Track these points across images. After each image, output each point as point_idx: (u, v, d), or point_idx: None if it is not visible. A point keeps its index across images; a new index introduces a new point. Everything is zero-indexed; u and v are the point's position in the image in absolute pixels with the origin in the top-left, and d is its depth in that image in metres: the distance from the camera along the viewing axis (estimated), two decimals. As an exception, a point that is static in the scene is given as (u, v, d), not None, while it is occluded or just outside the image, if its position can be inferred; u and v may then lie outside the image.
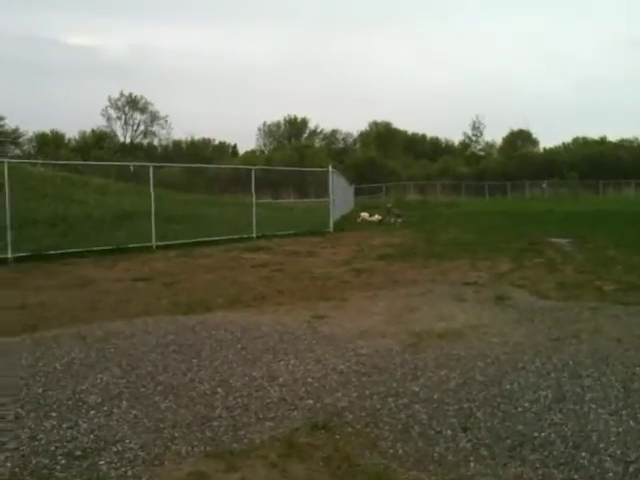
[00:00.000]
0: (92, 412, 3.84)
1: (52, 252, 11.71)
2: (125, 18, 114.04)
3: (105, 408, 3.90)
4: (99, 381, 4.43)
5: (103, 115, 72.17)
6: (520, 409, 3.78)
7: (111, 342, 5.51)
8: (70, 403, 3.99)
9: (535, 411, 3.74)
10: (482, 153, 76.73)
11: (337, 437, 3.41)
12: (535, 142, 78.64)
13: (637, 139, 73.11)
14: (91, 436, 3.48)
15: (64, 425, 3.62)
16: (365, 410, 3.80)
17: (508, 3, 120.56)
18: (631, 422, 3.54)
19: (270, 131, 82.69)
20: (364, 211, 23.24)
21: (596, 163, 62.29)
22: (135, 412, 3.83)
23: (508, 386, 4.19)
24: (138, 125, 73.69)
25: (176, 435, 3.48)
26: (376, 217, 22.12)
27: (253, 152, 77.57)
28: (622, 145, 71.74)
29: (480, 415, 3.70)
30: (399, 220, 21.38)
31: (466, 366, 4.65)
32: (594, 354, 4.89)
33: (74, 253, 11.87)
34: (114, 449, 3.31)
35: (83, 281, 9.02)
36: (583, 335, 5.49)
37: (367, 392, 4.12)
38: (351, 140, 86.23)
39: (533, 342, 5.30)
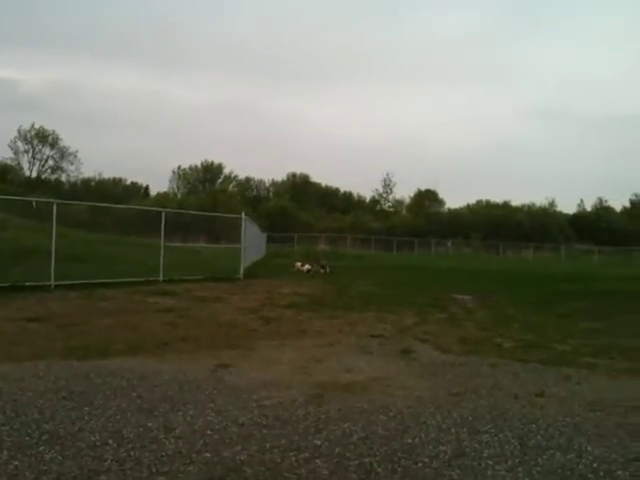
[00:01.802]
0: (-34, 463, 3.49)
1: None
2: (45, 53, 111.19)
3: (-19, 459, 3.56)
4: (-23, 429, 4.06)
5: (11, 147, 69.08)
6: (420, 464, 3.77)
7: (-6, 387, 5.10)
8: (-60, 454, 3.62)
9: (435, 467, 3.74)
10: (392, 209, 79.29)
11: (234, 493, 3.26)
12: (441, 202, 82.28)
13: (535, 204, 77.95)
14: (-39, 491, 3.16)
15: None
16: (265, 464, 3.67)
17: (421, 68, 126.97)
18: (526, 479, 3.60)
19: (184, 174, 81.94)
20: (297, 261, 23.87)
21: (497, 225, 65.72)
22: (16, 463, 3.53)
23: (409, 440, 4.19)
24: (46, 160, 70.99)
25: (58, 491, 3.21)
26: (306, 267, 22.71)
27: (166, 194, 76.34)
28: (522, 209, 76.15)
29: (381, 470, 3.65)
30: (327, 270, 22.29)
31: (369, 419, 4.62)
32: (492, 410, 4.99)
33: (-38, 289, 11.07)
34: (-14, 506, 3.01)
35: (-31, 320, 8.38)
36: (483, 390, 5.61)
37: (268, 445, 3.99)
38: (264, 188, 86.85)
39: (435, 396, 5.36)
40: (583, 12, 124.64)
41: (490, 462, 3.84)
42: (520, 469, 3.75)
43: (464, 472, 3.67)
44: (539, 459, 3.92)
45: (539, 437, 4.36)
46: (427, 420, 4.65)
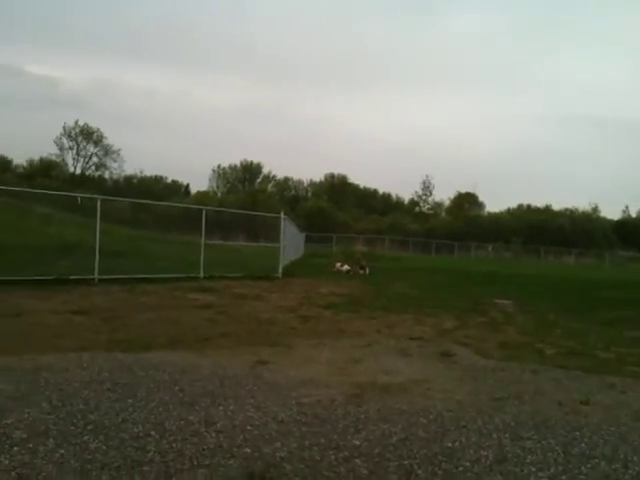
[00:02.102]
0: (16, 448, 3.59)
1: (-14, 278, 11.21)
2: (89, 52, 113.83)
3: (30, 445, 3.65)
4: (26, 416, 4.16)
5: (56, 143, 70.88)
6: (461, 468, 3.72)
7: (42, 376, 5.23)
8: (-8, 438, 3.73)
9: (476, 471, 3.69)
10: (430, 212, 78.70)
11: (274, 489, 3.28)
12: (481, 205, 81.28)
13: (577, 209, 76.31)
14: (13, 474, 3.25)
15: (-17, 461, 3.37)
16: (304, 462, 3.68)
17: (461, 69, 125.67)
18: (570, 487, 3.53)
19: (224, 173, 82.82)
20: (337, 262, 23.76)
21: (539, 230, 64.64)
22: (62, 451, 3.60)
23: (450, 444, 4.14)
24: (90, 157, 72.66)
25: (104, 478, 3.27)
26: (345, 267, 22.53)
27: (206, 193, 77.33)
28: (564, 214, 74.67)
29: (421, 473, 3.62)
30: (367, 271, 22.02)
31: (409, 421, 4.59)
32: (535, 416, 4.90)
33: (10, 281, 11.38)
34: (35, 491, 3.09)
35: (17, 311, 8.60)
36: (525, 396, 5.52)
37: (307, 443, 4.00)
38: (302, 188, 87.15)
39: (476, 400, 5.29)
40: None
41: (533, 468, 3.77)
42: (564, 477, 3.67)
43: (506, 478, 3.61)
44: (583, 467, 3.84)
45: (583, 445, 4.27)
46: (468, 424, 4.59)
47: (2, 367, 5.42)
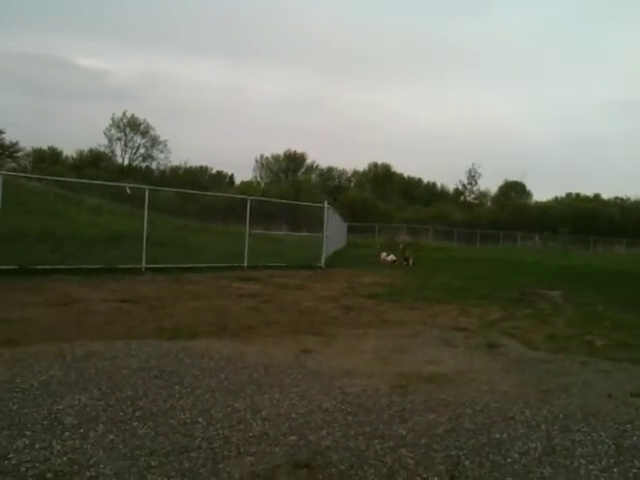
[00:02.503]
0: (67, 433, 3.69)
1: (39, 267, 11.55)
2: (136, 44, 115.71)
3: (81, 430, 3.75)
4: (77, 402, 4.28)
5: (106, 134, 72.34)
6: (509, 460, 3.66)
7: (92, 363, 5.37)
8: (45, 423, 3.84)
9: (524, 463, 3.62)
10: (476, 201, 77.49)
11: (320, 477, 3.28)
12: (529, 194, 79.61)
13: (629, 198, 74.02)
14: (64, 458, 3.33)
15: (37, 445, 3.47)
16: (350, 451, 3.68)
17: (505, 59, 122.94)
18: (622, 481, 3.43)
19: (267, 164, 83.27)
20: (382, 252, 23.62)
21: (587, 219, 62.99)
22: (112, 437, 3.69)
23: (497, 435, 4.08)
24: (138, 148, 73.95)
25: (152, 464, 3.33)
26: (390, 257, 22.41)
27: (250, 183, 77.98)
28: (614, 203, 72.55)
29: (468, 464, 3.57)
30: (411, 262, 21.83)
31: (455, 412, 4.54)
32: (584, 408, 4.79)
33: (61, 270, 11.71)
34: (87, 474, 3.16)
35: (68, 299, 8.86)
36: (573, 389, 5.39)
37: (352, 432, 4.00)
38: (345, 178, 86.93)
39: (523, 392, 5.19)
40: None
41: (583, 461, 3.68)
42: (615, 470, 3.58)
43: (555, 470, 3.54)
44: (635, 461, 3.73)
45: (635, 438, 4.15)
46: (515, 416, 4.52)
47: (53, 354, 5.58)
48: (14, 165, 54.06)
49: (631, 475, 3.53)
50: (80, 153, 71.62)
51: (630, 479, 3.48)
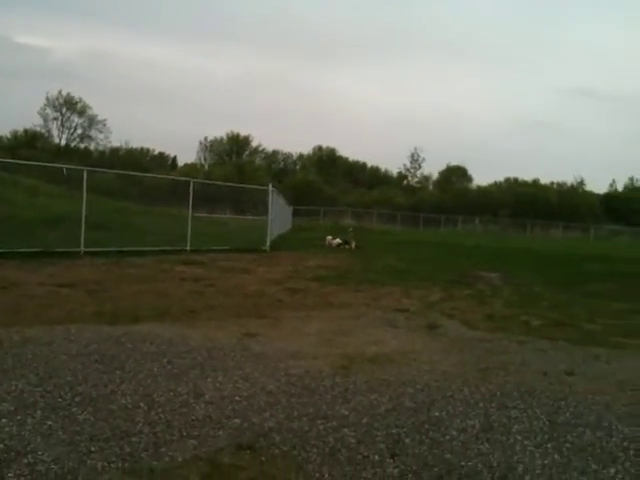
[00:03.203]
0: (3, 420, 3.59)
1: (-29, 251, 11.10)
2: (79, 22, 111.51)
3: (18, 417, 3.65)
4: (13, 388, 4.16)
5: (40, 114, 69.56)
6: (448, 437, 3.77)
7: (29, 348, 5.21)
8: (-22, 410, 3.71)
9: (463, 440, 3.74)
10: (419, 185, 78.59)
11: (263, 459, 3.30)
12: (469, 179, 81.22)
13: (566, 183, 76.49)
14: (1, 446, 3.24)
15: (-31, 434, 3.36)
16: (293, 432, 3.70)
17: (450, 44, 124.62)
18: (556, 455, 3.58)
19: (212, 146, 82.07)
20: (327, 235, 23.78)
21: (526, 203, 64.76)
22: (50, 423, 3.60)
23: (437, 413, 4.19)
24: (75, 128, 71.49)
25: (92, 449, 3.28)
26: (336, 241, 22.57)
27: (193, 165, 76.71)
28: (552, 188, 74.85)
29: (408, 441, 3.66)
30: (353, 245, 22.15)
31: (396, 392, 4.63)
32: (521, 386, 4.96)
33: (-4, 254, 11.28)
34: (25, 461, 3.09)
35: (4, 283, 8.53)
36: (511, 367, 5.58)
37: (296, 413, 4.03)
38: (290, 162, 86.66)
39: (462, 371, 5.34)
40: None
41: (519, 437, 3.83)
42: (549, 445, 3.73)
43: (492, 446, 3.66)
44: (568, 436, 3.90)
45: (568, 414, 4.33)
46: (454, 394, 4.64)
47: (-12, 339, 5.39)
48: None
49: (564, 450, 3.68)
50: (15, 133, 68.77)
51: (564, 453, 3.63)
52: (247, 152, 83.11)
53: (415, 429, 3.86)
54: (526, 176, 77.93)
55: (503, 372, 5.40)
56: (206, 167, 76.30)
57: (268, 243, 18.45)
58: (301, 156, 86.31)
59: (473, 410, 4.30)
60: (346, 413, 4.09)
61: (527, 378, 5.24)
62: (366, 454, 3.44)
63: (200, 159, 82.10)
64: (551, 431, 3.97)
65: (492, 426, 4.00)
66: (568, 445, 3.75)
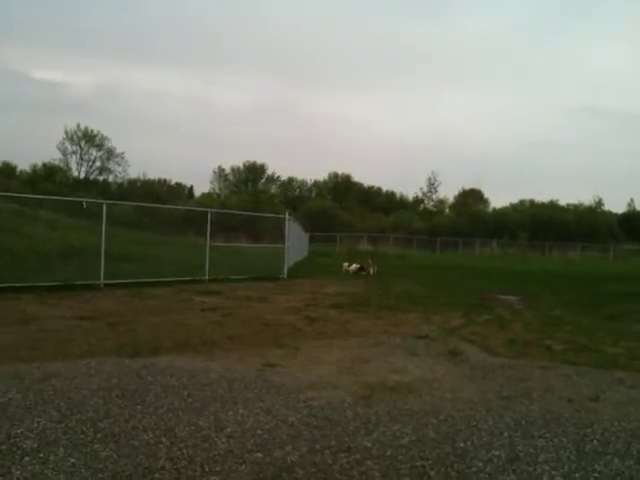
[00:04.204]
0: (27, 458, 3.58)
1: (-7, 285, 11.23)
2: (91, 56, 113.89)
3: (41, 455, 3.65)
4: (36, 425, 4.16)
5: (59, 148, 70.73)
6: (474, 469, 3.70)
7: (50, 384, 5.23)
8: (4, 447, 3.72)
9: (489, 471, 3.67)
10: (434, 209, 78.41)
11: (286, 494, 3.26)
12: (486, 201, 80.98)
13: (583, 204, 75.92)
14: (23, 485, 3.24)
15: (-7, 473, 3.37)
16: (316, 466, 3.66)
17: (464, 66, 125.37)
18: (584, 485, 3.50)
19: (227, 175, 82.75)
20: (344, 261, 23.86)
21: (543, 225, 64.36)
22: (73, 460, 3.59)
23: (462, 444, 4.12)
24: (94, 161, 72.53)
25: (115, 487, 3.26)
26: (353, 267, 22.61)
27: (210, 195, 77.33)
28: (569, 209, 74.33)
29: (434, 474, 3.60)
30: (372, 270, 22.23)
31: (419, 422, 4.57)
32: (546, 414, 4.88)
33: (17, 288, 11.40)
34: (46, 501, 3.08)
35: (24, 317, 8.62)
36: (534, 394, 5.49)
37: (318, 446, 3.98)
38: (306, 189, 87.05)
39: (485, 399, 5.27)
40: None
41: (546, 467, 3.75)
42: (577, 475, 3.65)
43: (519, 477, 3.59)
44: (596, 465, 3.82)
45: (595, 442, 4.25)
46: (478, 424, 4.57)
47: (10, 375, 5.42)
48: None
49: (592, 479, 3.60)
50: (34, 167, 69.92)
51: (591, 482, 3.55)
52: (263, 180, 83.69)
53: (440, 461, 3.80)
54: (541, 197, 77.64)
55: (527, 400, 5.31)
56: (222, 196, 76.84)
57: (285, 271, 18.48)
58: (316, 183, 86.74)
59: (498, 440, 4.23)
60: (369, 445, 4.04)
61: (552, 405, 5.15)
62: (391, 488, 3.39)
63: (215, 188, 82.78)
64: (578, 460, 3.89)
65: (518, 456, 3.93)
66: (596, 475, 3.67)
